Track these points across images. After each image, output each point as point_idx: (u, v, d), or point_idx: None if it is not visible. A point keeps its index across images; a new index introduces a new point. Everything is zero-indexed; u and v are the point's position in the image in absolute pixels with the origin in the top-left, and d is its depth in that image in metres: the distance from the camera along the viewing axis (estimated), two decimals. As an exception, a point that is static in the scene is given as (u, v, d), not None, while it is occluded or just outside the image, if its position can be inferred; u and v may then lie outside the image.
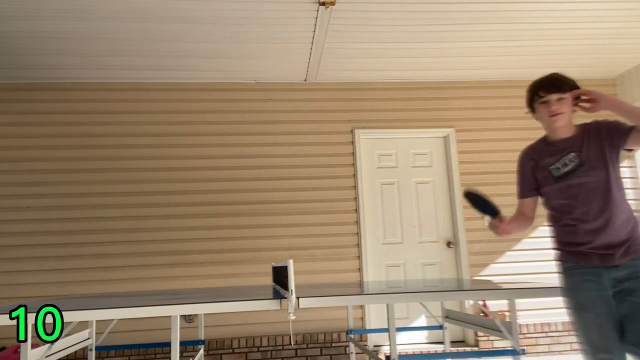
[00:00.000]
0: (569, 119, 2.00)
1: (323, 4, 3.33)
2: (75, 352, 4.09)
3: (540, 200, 2.16)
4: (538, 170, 2.08)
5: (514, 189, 4.75)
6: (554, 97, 1.96)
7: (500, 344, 4.46)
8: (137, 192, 4.42)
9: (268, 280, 4.41)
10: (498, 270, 4.60)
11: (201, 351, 3.59)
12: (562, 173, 1.97)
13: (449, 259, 4.70)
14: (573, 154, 1.97)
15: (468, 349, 4.42)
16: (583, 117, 2.06)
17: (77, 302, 2.46)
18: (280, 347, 4.29)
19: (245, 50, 4.06)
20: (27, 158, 4.38)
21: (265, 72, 4.54)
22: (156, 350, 4.16)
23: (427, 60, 4.41)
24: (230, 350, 4.24)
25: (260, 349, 4.27)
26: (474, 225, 4.66)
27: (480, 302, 4.34)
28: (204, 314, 4.17)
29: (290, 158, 4.62)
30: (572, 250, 1.97)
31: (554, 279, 4.61)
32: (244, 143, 4.60)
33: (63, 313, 2.05)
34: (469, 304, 4.56)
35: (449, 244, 4.71)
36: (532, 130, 4.84)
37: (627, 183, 4.82)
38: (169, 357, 4.18)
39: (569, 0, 3.51)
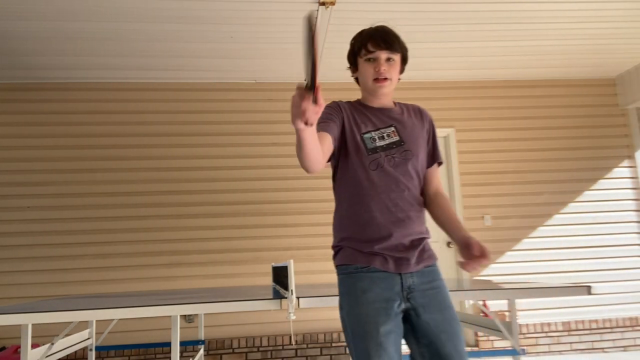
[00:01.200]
0: (393, 87, 1.67)
1: (323, 4, 3.33)
2: (75, 352, 4.09)
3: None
4: (353, 128, 1.59)
5: (514, 189, 4.79)
6: (383, 55, 1.57)
7: (500, 344, 4.45)
8: (137, 192, 4.42)
9: (268, 280, 4.41)
10: (498, 270, 4.59)
11: (201, 351, 3.59)
12: (376, 146, 1.57)
13: (449, 259, 4.70)
14: (393, 128, 1.62)
15: (468, 349, 4.42)
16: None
17: (77, 302, 2.46)
18: (280, 347, 4.29)
19: (245, 50, 4.06)
20: (27, 158, 4.38)
21: (265, 72, 4.54)
22: (156, 350, 4.16)
23: (427, 60, 4.41)
24: (230, 350, 4.24)
25: (260, 349, 4.27)
26: (474, 226, 4.66)
27: (480, 302, 4.34)
28: (204, 314, 4.17)
29: (290, 158, 4.62)
30: (361, 250, 1.54)
31: (554, 279, 4.62)
32: (244, 143, 4.60)
33: (63, 313, 2.06)
34: (469, 304, 4.55)
35: (449, 244, 4.71)
36: (533, 130, 4.87)
37: (627, 183, 4.82)
38: (169, 357, 4.18)
39: (569, 0, 3.51)
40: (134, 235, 4.34)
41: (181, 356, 4.15)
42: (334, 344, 4.33)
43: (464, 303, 4.55)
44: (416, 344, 1.50)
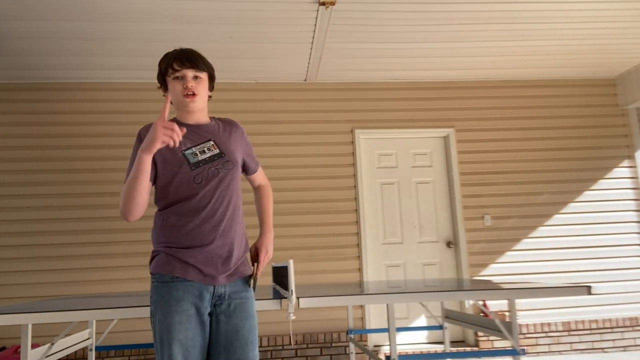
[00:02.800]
0: (204, 103, 1.78)
1: (323, 4, 3.33)
2: (75, 352, 4.09)
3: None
4: (167, 152, 1.67)
5: (514, 188, 4.79)
6: (190, 73, 1.71)
7: (500, 344, 4.46)
8: (137, 192, 4.41)
9: (268, 280, 4.41)
10: (498, 270, 4.60)
11: (201, 351, 3.58)
12: (198, 160, 1.68)
13: (449, 259, 4.70)
14: (212, 142, 1.74)
15: (468, 349, 4.42)
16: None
17: (77, 302, 2.46)
18: (280, 347, 4.29)
19: (245, 50, 4.06)
20: (27, 158, 4.38)
21: (265, 72, 4.54)
22: (156, 350, 4.15)
23: (427, 60, 4.41)
24: (230, 350, 4.24)
25: (260, 349, 4.27)
26: (474, 225, 4.66)
27: (480, 302, 4.34)
28: (204, 314, 4.16)
29: (290, 158, 4.62)
30: (179, 258, 1.62)
31: (554, 279, 4.62)
32: (244, 143, 4.59)
33: (63, 313, 2.05)
34: (469, 304, 4.56)
35: (449, 244, 4.71)
36: (532, 130, 4.87)
37: (627, 183, 4.82)
38: (169, 357, 4.17)
39: (569, 0, 3.51)
40: (134, 235, 4.34)
41: (181, 356, 4.15)
42: (334, 344, 4.33)
43: (464, 303, 4.55)
44: (214, 348, 1.62)
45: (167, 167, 1.66)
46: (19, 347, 3.69)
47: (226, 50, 4.04)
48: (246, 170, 1.92)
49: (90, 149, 4.44)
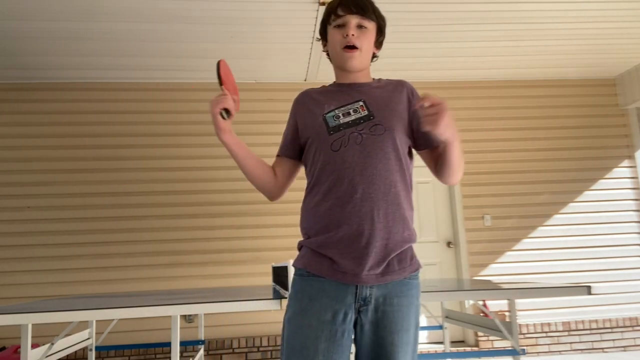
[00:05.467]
0: (367, 61, 1.44)
1: (323, 4, 3.33)
2: (75, 352, 4.09)
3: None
4: (315, 112, 1.41)
5: (514, 189, 4.79)
6: (354, 20, 1.36)
7: (500, 344, 4.46)
8: (137, 192, 4.42)
9: (268, 280, 4.41)
10: (498, 270, 4.60)
11: (201, 351, 3.59)
12: (339, 124, 1.34)
13: (449, 259, 4.70)
14: (361, 102, 1.37)
15: (468, 349, 4.42)
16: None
17: (77, 302, 2.46)
18: (280, 347, 4.28)
19: (245, 50, 4.06)
20: (27, 158, 4.38)
21: (265, 72, 4.54)
22: (156, 350, 4.16)
23: (427, 60, 4.41)
24: (230, 350, 4.24)
25: (260, 349, 4.27)
26: (474, 225, 4.66)
27: (480, 302, 4.34)
28: (204, 314, 4.17)
29: (290, 158, 4.61)
30: (313, 249, 1.31)
31: (554, 279, 4.62)
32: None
33: (63, 313, 2.06)
34: (469, 304, 4.55)
35: (449, 244, 4.71)
36: (532, 130, 4.87)
37: (627, 183, 4.82)
38: (169, 357, 4.17)
39: (569, 0, 3.51)
40: (133, 235, 4.34)
41: (181, 356, 4.15)
42: (334, 344, 4.32)
43: (464, 303, 4.54)
44: None
45: (305, 135, 1.40)
46: (19, 347, 3.69)
47: (226, 50, 4.04)
48: (418, 142, 1.43)
49: (90, 149, 4.44)
